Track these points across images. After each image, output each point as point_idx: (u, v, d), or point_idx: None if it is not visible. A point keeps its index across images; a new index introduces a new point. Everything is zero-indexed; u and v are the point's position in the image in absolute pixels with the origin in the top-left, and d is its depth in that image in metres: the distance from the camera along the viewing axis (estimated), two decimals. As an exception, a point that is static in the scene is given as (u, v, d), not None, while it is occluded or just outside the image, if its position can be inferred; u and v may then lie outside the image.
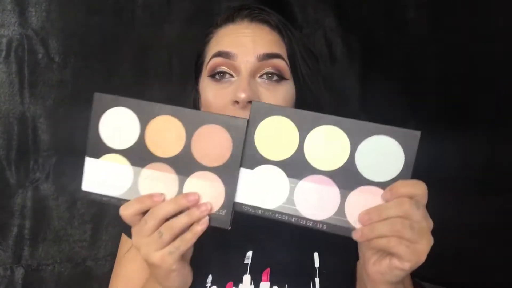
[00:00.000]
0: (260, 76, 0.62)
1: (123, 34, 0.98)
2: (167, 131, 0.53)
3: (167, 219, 0.51)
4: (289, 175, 0.51)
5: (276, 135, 0.51)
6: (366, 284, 0.54)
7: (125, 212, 0.51)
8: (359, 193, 0.50)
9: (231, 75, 0.63)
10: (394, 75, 0.96)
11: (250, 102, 0.57)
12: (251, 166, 0.52)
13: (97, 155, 0.54)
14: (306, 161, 0.51)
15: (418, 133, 0.49)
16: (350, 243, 0.66)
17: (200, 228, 0.51)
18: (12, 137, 0.97)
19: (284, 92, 0.63)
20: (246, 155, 0.52)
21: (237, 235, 0.64)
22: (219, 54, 0.63)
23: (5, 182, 0.96)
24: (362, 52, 0.98)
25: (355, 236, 0.48)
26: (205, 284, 0.61)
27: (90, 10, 0.97)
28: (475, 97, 0.90)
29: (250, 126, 0.52)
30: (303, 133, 0.51)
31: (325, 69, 0.99)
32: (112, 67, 0.99)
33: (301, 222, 0.51)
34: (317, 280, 0.60)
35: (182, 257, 0.52)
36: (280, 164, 0.52)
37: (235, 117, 0.52)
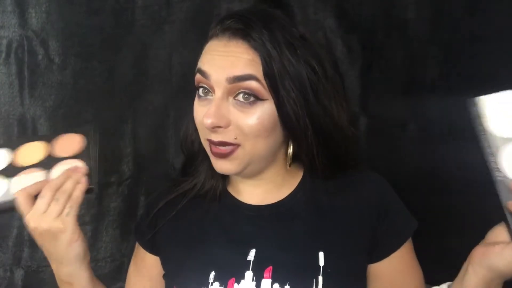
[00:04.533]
0: (235, 97, 0.60)
1: (123, 34, 0.98)
2: (33, 152, 0.66)
3: None
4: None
5: None
6: (468, 268, 0.57)
7: (23, 192, 0.59)
8: None
9: (211, 93, 0.62)
10: (394, 75, 0.96)
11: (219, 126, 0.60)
12: None
13: None
14: None
15: None
16: (357, 243, 0.66)
17: (82, 186, 0.61)
18: (12, 138, 0.97)
19: (259, 112, 0.60)
20: None
21: (240, 234, 0.67)
22: (198, 71, 0.63)
23: (5, 183, 0.96)
24: (362, 52, 0.98)
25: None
26: (208, 280, 0.62)
27: (90, 11, 0.97)
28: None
29: None
30: None
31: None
32: (112, 68, 0.99)
33: None
34: (320, 278, 0.61)
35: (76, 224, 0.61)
36: None
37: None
